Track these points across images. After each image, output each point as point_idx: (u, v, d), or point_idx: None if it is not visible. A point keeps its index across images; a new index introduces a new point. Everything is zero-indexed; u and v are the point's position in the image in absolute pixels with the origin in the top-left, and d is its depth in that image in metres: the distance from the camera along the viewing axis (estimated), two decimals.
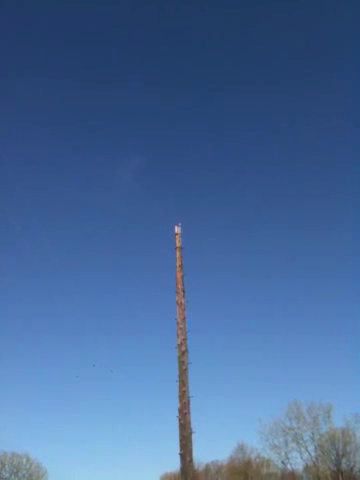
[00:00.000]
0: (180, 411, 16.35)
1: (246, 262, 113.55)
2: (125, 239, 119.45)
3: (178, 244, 19.34)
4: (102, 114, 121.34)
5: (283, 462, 58.24)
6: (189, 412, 16.31)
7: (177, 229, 19.74)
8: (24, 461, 65.61)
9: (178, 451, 16.02)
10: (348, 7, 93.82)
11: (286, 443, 57.44)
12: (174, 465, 52.50)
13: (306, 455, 56.68)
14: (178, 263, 18.92)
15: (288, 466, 58.40)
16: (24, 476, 64.90)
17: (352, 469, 55.09)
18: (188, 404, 16.38)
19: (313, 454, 56.42)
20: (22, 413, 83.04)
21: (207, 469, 72.60)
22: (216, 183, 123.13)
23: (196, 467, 57.43)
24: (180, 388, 16.64)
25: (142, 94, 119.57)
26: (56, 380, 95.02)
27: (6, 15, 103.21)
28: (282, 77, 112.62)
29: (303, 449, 56.67)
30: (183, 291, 18.35)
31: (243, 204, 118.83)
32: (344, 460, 55.19)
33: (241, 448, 65.67)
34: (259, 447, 60.27)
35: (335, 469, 55.00)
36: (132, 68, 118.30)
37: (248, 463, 64.09)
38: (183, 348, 17.19)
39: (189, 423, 16.17)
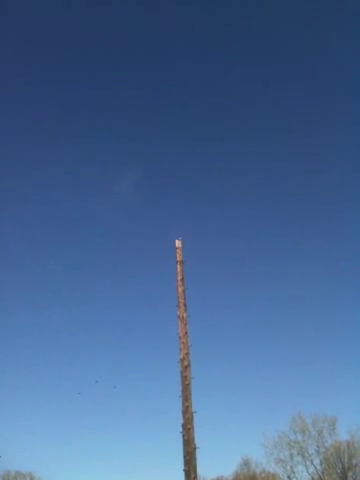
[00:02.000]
0: (183, 426, 16.18)
1: (248, 275, 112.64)
2: (125, 252, 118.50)
3: (179, 258, 19.38)
4: (101, 125, 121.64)
5: (289, 476, 57.46)
6: (193, 427, 16.14)
7: (178, 243, 19.79)
8: None
9: (182, 467, 15.84)
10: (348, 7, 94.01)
11: (291, 457, 56.83)
12: None
13: (312, 469, 56.03)
14: (179, 277, 18.93)
15: None
16: None
17: None
18: (191, 419, 16.22)
19: (319, 467, 55.79)
20: (25, 431, 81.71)
21: None
22: (217, 196, 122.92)
23: None
24: (183, 403, 16.51)
25: (141, 104, 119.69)
26: (59, 397, 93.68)
27: (6, 18, 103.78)
28: (284, 86, 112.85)
29: (309, 462, 56.05)
30: (185, 305, 18.31)
31: (244, 217, 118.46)
32: (350, 473, 54.51)
33: (246, 463, 64.81)
34: (264, 461, 59.50)
35: None
36: (131, 78, 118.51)
37: (253, 478, 63.11)
38: (186, 363, 17.11)
39: (193, 438, 15.99)
